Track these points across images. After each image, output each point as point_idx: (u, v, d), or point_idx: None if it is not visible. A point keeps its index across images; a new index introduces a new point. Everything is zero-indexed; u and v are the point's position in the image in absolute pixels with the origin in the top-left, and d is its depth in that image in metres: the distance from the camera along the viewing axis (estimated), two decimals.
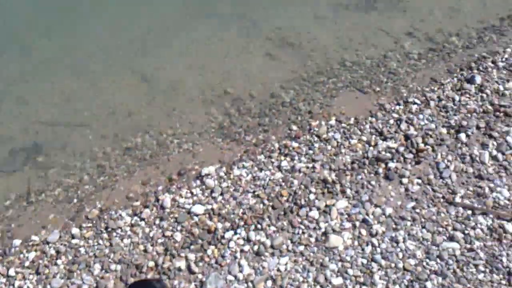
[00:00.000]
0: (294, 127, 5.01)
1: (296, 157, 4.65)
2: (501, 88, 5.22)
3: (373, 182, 4.34)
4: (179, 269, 3.83)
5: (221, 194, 4.37)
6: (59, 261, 3.99)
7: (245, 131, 5.09)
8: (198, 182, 4.53)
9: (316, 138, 4.82)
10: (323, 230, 3.99)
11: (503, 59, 5.62)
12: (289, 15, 6.44)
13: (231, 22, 6.43)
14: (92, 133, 5.21)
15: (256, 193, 4.34)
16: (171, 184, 4.57)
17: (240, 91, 5.54)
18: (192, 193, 4.43)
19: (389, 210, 4.11)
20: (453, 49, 5.95)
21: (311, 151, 4.69)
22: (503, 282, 3.65)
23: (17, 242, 4.19)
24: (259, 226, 4.06)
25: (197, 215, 4.20)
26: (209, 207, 4.26)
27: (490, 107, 5.01)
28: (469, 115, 4.94)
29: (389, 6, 6.55)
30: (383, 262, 3.78)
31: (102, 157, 4.98)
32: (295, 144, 4.78)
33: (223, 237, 4.02)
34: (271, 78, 5.66)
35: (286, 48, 6.01)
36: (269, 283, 3.68)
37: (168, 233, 4.11)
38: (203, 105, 5.43)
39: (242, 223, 4.10)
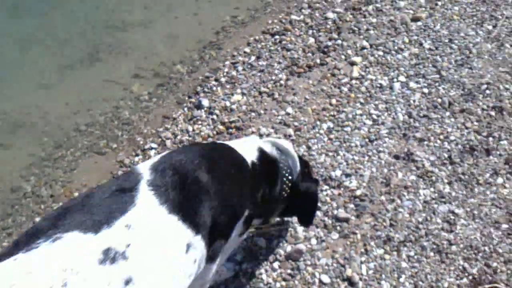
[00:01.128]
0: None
1: None
2: (228, 104, 5.40)
3: None
4: None
5: None
6: None
7: None
8: None
9: None
10: None
11: (225, 74, 5.82)
12: (13, 93, 6.03)
13: None
14: None
15: None
16: None
17: None
18: None
19: None
20: (180, 78, 6.03)
21: None
22: None
23: None
24: None
25: None
26: None
27: (221, 126, 5.16)
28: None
29: (112, 53, 6.44)
30: None
31: None
32: None
33: None
34: (8, 170, 5.26)
35: (18, 132, 5.64)
36: None
37: None
38: None
39: None
